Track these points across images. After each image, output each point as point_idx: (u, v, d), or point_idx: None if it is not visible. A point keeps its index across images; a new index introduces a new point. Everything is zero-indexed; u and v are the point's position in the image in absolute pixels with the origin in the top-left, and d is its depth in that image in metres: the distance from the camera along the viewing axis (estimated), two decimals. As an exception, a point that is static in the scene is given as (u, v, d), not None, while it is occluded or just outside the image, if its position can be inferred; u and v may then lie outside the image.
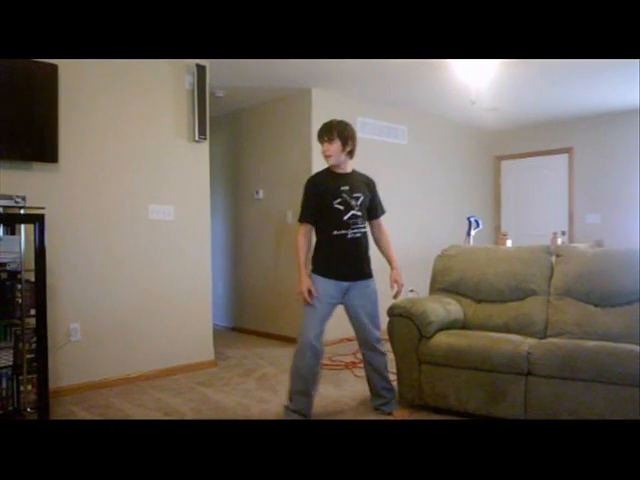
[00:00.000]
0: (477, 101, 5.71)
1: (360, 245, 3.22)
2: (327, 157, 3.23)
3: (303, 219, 3.24)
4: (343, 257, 3.17)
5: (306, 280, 3.13)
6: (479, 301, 3.80)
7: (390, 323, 3.55)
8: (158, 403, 3.73)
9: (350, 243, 3.17)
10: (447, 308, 3.63)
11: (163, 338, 4.42)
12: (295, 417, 3.17)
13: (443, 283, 3.97)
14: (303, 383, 3.16)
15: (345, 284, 3.20)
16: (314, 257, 3.26)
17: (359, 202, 3.21)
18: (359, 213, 3.20)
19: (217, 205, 6.40)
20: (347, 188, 3.19)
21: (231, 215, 6.56)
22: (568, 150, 7.23)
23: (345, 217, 3.14)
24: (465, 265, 3.93)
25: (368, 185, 3.36)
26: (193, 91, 4.56)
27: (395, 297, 3.36)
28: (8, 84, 3.50)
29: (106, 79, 4.12)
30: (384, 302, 3.69)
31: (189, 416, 3.46)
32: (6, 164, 3.56)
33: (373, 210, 3.38)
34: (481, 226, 6.13)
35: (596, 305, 3.41)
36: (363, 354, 3.39)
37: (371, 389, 3.44)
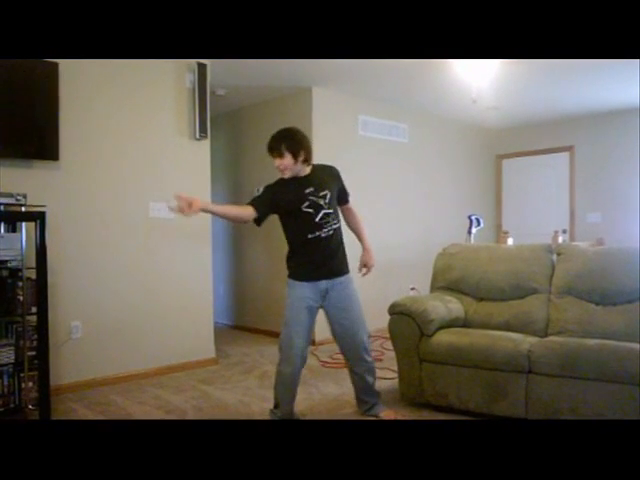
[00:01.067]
0: (478, 100, 5.72)
1: (334, 241, 3.14)
2: (282, 171, 3.11)
3: (256, 207, 3.08)
4: (319, 257, 3.10)
5: (197, 200, 2.92)
6: (480, 299, 3.80)
7: (391, 321, 3.56)
8: (159, 401, 3.73)
9: (325, 242, 3.09)
10: (448, 306, 3.64)
11: (164, 336, 4.43)
12: None
13: (444, 281, 3.98)
14: (290, 391, 3.13)
15: (323, 285, 3.11)
16: (289, 264, 3.19)
17: (327, 199, 3.11)
18: (330, 210, 3.11)
19: (218, 203, 6.39)
20: (312, 189, 3.08)
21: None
22: (569, 149, 7.23)
23: (317, 219, 3.06)
24: (466, 263, 3.93)
25: (332, 176, 3.25)
26: (194, 89, 4.56)
27: (364, 275, 3.33)
28: (8, 83, 3.51)
29: (107, 77, 4.12)
30: (383, 303, 3.70)
31: (190, 414, 3.47)
32: (7, 162, 3.57)
33: (342, 196, 3.30)
34: (482, 224, 6.14)
35: (597, 303, 3.41)
36: (348, 361, 3.30)
37: (357, 395, 3.37)
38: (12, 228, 3.32)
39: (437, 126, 7.07)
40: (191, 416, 3.43)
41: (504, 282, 3.72)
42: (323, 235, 3.08)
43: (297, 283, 3.12)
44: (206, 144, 4.71)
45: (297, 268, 3.15)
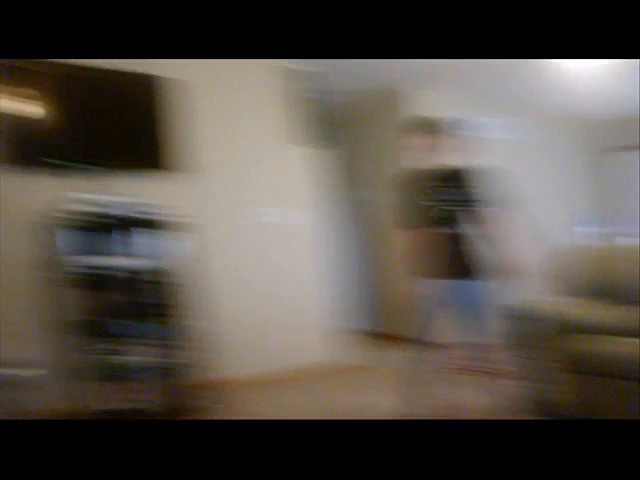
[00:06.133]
0: (581, 88, 5.48)
1: (459, 239, 3.04)
2: (424, 153, 3.04)
3: (400, 224, 3.12)
4: (441, 255, 3.02)
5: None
6: (617, 303, 3.42)
7: (515, 325, 3.36)
8: (291, 402, 3.86)
9: (448, 240, 3.02)
10: (577, 311, 3.38)
11: (287, 338, 4.57)
12: None
13: (571, 284, 3.75)
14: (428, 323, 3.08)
15: (449, 284, 3.03)
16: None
17: (454, 196, 3.01)
18: (456, 208, 3.02)
19: (345, 207, 6.23)
20: (441, 183, 3.02)
21: (363, 217, 6.46)
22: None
23: (440, 213, 3.00)
24: (601, 265, 3.68)
25: (464, 177, 3.09)
26: (297, 95, 4.69)
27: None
28: (128, 97, 3.89)
29: (212, 87, 4.32)
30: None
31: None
32: (124, 174, 3.79)
33: (476, 201, 3.12)
34: (590, 223, 5.87)
35: None
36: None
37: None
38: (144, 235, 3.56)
39: (538, 120, 6.81)
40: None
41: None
42: (447, 232, 3.02)
43: (424, 281, 3.07)
44: (317, 150, 4.85)
45: (422, 266, 3.07)
